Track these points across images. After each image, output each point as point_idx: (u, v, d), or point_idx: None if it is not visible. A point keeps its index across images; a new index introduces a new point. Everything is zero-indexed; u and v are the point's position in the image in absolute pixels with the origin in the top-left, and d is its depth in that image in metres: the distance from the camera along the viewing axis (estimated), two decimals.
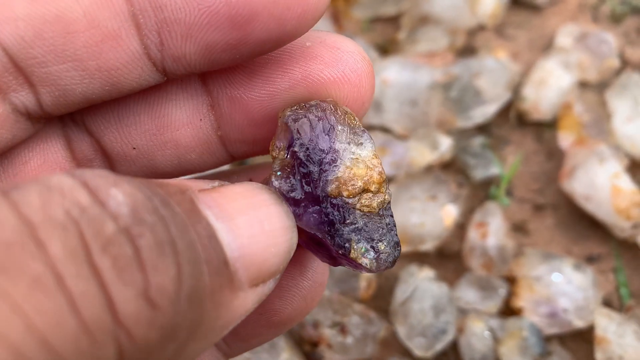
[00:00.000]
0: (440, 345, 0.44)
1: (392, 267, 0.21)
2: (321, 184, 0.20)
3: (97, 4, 0.19)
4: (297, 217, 0.20)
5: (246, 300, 0.17)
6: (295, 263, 0.23)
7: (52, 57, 0.19)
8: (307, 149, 0.20)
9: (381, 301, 0.47)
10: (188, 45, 0.19)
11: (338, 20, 0.58)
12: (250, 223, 0.18)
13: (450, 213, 0.49)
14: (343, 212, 0.20)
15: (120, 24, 0.19)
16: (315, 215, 0.20)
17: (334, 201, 0.20)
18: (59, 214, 0.13)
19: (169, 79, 0.21)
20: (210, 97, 0.23)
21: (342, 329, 0.43)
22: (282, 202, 0.20)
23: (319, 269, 0.24)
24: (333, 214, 0.20)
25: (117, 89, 0.20)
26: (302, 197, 0.20)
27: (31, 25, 0.18)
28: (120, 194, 0.14)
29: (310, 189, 0.20)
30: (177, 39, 0.19)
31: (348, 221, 0.20)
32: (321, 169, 0.20)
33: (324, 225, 0.20)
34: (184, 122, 0.22)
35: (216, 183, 0.19)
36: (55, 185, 0.14)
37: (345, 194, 0.20)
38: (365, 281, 0.46)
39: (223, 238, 0.17)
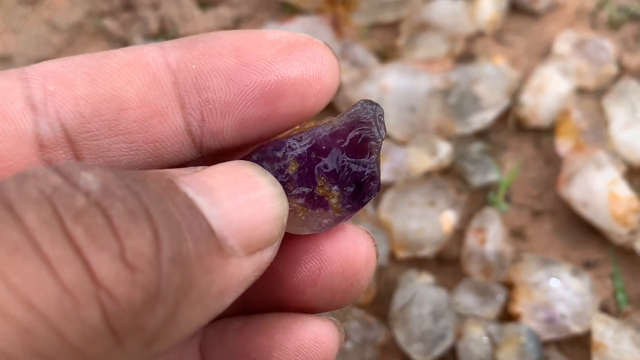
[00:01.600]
0: (439, 351, 0.44)
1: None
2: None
3: (148, 85, 0.21)
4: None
5: (241, 267, 0.18)
6: (290, 335, 0.23)
7: (105, 131, 0.21)
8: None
9: (380, 306, 0.47)
10: (226, 121, 0.22)
11: (338, 27, 0.58)
12: (233, 194, 0.18)
13: (449, 219, 0.49)
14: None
15: (168, 102, 0.21)
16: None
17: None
18: (32, 192, 0.14)
19: (202, 156, 0.23)
20: None
21: None
22: (266, 172, 0.20)
23: (320, 345, 0.23)
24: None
25: (158, 160, 0.22)
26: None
27: (90, 103, 0.21)
28: (90, 174, 0.15)
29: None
30: (217, 115, 0.22)
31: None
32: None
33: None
34: None
35: (199, 168, 0.20)
36: (30, 173, 0.15)
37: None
38: None
39: (204, 208, 0.17)
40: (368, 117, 0.21)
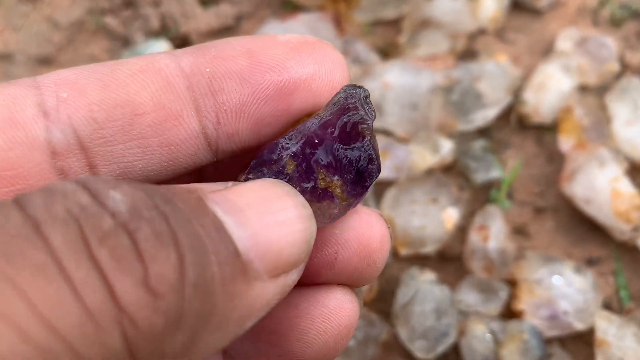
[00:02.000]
0: (441, 348, 0.44)
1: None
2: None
3: (162, 89, 0.21)
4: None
5: (265, 291, 0.18)
6: (315, 303, 0.23)
7: (119, 136, 0.21)
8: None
9: (383, 304, 0.47)
10: (241, 122, 0.22)
11: (339, 24, 0.58)
12: (262, 214, 0.18)
13: (451, 216, 0.49)
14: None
15: (182, 105, 0.21)
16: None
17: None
18: (60, 212, 0.14)
19: (217, 160, 0.23)
20: None
21: None
22: (296, 193, 0.20)
23: (344, 311, 0.23)
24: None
25: (173, 164, 0.22)
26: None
27: (103, 109, 0.21)
28: (118, 194, 0.15)
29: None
30: (232, 116, 0.22)
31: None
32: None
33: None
34: None
35: (230, 184, 0.19)
36: (59, 189, 0.15)
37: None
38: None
39: (232, 230, 0.17)
40: (353, 101, 0.21)
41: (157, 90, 0.21)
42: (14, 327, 0.13)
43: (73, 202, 0.15)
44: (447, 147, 0.52)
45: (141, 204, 0.15)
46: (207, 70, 0.21)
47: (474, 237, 0.48)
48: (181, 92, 0.21)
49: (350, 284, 0.24)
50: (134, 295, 0.14)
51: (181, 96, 0.21)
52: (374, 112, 0.22)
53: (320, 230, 0.22)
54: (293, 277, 0.19)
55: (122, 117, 0.21)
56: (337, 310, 0.23)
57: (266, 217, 0.18)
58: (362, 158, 0.21)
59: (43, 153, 0.21)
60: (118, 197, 0.15)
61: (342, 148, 0.21)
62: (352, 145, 0.21)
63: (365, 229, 0.23)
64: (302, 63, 0.22)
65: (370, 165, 0.21)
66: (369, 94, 0.22)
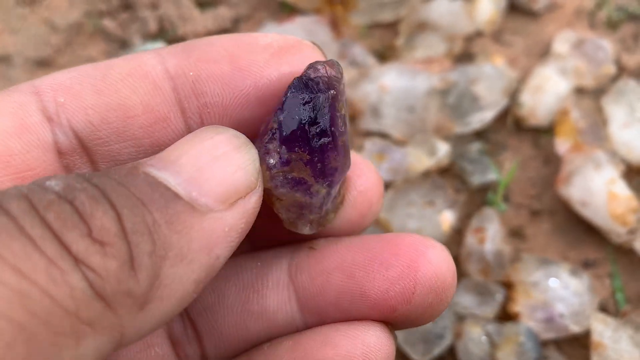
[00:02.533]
0: (437, 350, 0.44)
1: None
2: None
3: (151, 93, 0.23)
4: None
5: (223, 219, 0.19)
6: (354, 340, 0.24)
7: (114, 137, 0.23)
8: None
9: None
10: (224, 123, 0.24)
11: (336, 27, 0.59)
12: (195, 158, 0.20)
13: (447, 218, 0.49)
14: None
15: (169, 108, 0.23)
16: None
17: None
18: (12, 192, 0.17)
19: None
20: None
21: None
22: (226, 129, 0.22)
23: (384, 348, 0.24)
24: None
25: None
26: None
27: (98, 112, 0.23)
28: (53, 181, 0.18)
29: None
30: (215, 118, 0.23)
31: None
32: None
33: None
34: None
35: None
36: (9, 187, 0.18)
37: None
38: None
39: (168, 180, 0.19)
40: (301, 117, 0.22)
41: (146, 94, 0.23)
42: (2, 282, 0.15)
43: (21, 188, 0.17)
44: (443, 149, 0.52)
45: (74, 182, 0.18)
46: (191, 73, 0.23)
47: (471, 240, 0.48)
48: (167, 95, 0.23)
49: (422, 320, 0.24)
50: (83, 245, 0.16)
51: (168, 99, 0.23)
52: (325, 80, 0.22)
53: (395, 259, 0.23)
54: (252, 199, 0.21)
55: (116, 119, 0.23)
56: (378, 347, 0.24)
57: (200, 159, 0.20)
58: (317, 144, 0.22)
59: (53, 154, 0.23)
60: (53, 182, 0.18)
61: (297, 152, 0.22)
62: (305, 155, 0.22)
63: (441, 264, 0.24)
64: (281, 69, 0.23)
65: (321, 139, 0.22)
66: (329, 95, 0.22)
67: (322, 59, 0.24)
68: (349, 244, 0.25)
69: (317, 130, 0.22)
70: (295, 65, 0.23)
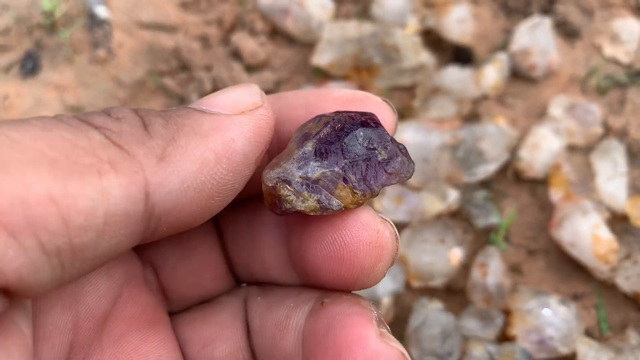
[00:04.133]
0: None
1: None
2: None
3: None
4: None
5: (231, 117, 0.22)
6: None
7: None
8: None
9: (397, 327, 0.56)
10: None
11: (363, 90, 0.68)
12: (211, 96, 0.23)
13: (456, 255, 0.57)
14: None
15: None
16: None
17: None
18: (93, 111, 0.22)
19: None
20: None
21: None
22: (244, 85, 0.25)
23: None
24: None
25: None
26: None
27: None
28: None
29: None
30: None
31: None
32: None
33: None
34: None
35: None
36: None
37: None
38: (384, 309, 0.55)
39: (191, 105, 0.23)
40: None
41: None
42: (29, 129, 0.18)
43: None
44: (453, 196, 0.60)
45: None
46: (274, 115, 0.28)
47: (475, 273, 0.56)
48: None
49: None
50: (101, 119, 0.20)
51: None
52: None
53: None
54: (259, 110, 0.23)
55: None
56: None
57: (216, 95, 0.23)
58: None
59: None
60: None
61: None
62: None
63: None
64: None
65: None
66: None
67: (386, 110, 0.26)
68: None
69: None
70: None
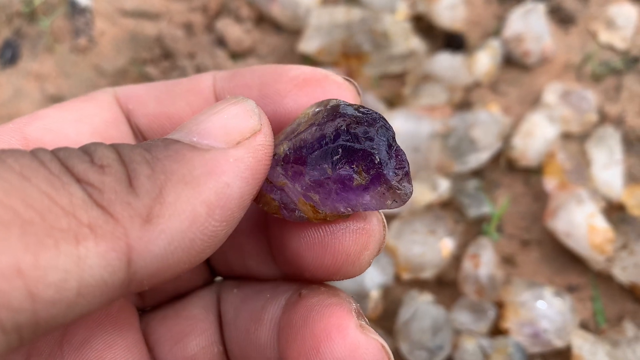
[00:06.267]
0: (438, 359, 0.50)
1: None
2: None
3: (200, 108, 0.26)
4: None
5: (227, 153, 0.20)
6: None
7: None
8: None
9: (386, 321, 0.54)
10: None
11: (351, 77, 0.66)
12: (196, 118, 0.21)
13: (447, 245, 0.56)
14: None
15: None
16: None
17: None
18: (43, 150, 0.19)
19: None
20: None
21: None
22: (229, 98, 0.22)
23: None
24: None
25: None
26: None
27: (157, 119, 0.26)
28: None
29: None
30: None
31: None
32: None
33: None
34: None
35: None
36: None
37: None
38: (373, 303, 0.53)
39: (173, 136, 0.20)
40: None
41: (197, 108, 0.26)
42: (3, 179, 0.16)
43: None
44: (444, 185, 0.59)
45: (88, 144, 0.19)
46: (228, 96, 0.24)
47: (467, 265, 0.54)
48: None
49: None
50: (83, 167, 0.18)
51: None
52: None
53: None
54: (258, 138, 0.21)
55: (170, 127, 0.26)
56: None
57: (200, 117, 0.21)
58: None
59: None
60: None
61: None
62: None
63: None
64: (298, 100, 0.24)
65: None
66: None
67: (347, 91, 0.24)
68: None
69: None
70: (314, 97, 0.24)
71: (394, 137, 0.22)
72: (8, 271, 0.15)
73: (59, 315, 0.16)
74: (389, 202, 0.21)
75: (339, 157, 0.21)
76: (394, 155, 0.21)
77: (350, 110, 0.22)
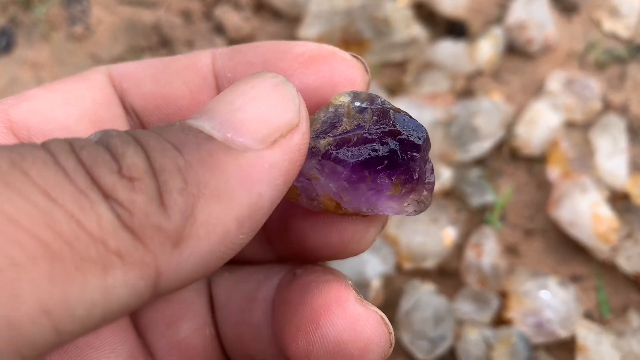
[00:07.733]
0: (439, 351, 0.49)
1: None
2: None
3: (199, 87, 0.25)
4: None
5: (262, 157, 0.18)
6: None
7: (164, 122, 0.25)
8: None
9: (388, 311, 0.53)
10: None
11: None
12: (231, 101, 0.19)
13: (449, 235, 0.55)
14: None
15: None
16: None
17: None
18: (57, 139, 0.17)
19: None
20: None
21: None
22: (263, 72, 0.20)
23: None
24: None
25: None
26: None
27: (153, 99, 0.25)
28: (95, 133, 0.18)
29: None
30: None
31: None
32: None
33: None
34: None
35: None
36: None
37: None
38: (374, 292, 0.52)
39: (202, 125, 0.18)
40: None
41: (194, 87, 0.24)
42: (29, 201, 0.15)
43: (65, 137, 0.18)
44: (446, 174, 0.58)
45: (111, 131, 0.18)
46: (229, 75, 0.24)
47: (470, 254, 0.54)
48: (211, 90, 0.25)
49: None
50: (111, 180, 0.16)
51: (211, 94, 0.25)
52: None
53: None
54: (295, 138, 0.19)
55: (167, 107, 0.25)
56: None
57: (236, 102, 0.19)
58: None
59: (128, 127, 0.25)
60: (93, 134, 0.18)
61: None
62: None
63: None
64: (304, 78, 0.23)
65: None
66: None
67: (354, 69, 0.23)
68: None
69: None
70: (321, 76, 0.23)
71: (429, 150, 0.23)
72: (36, 313, 0.14)
73: (79, 337, 0.16)
74: (409, 210, 0.22)
75: (382, 168, 0.21)
76: (428, 170, 0.22)
77: (399, 119, 0.22)
